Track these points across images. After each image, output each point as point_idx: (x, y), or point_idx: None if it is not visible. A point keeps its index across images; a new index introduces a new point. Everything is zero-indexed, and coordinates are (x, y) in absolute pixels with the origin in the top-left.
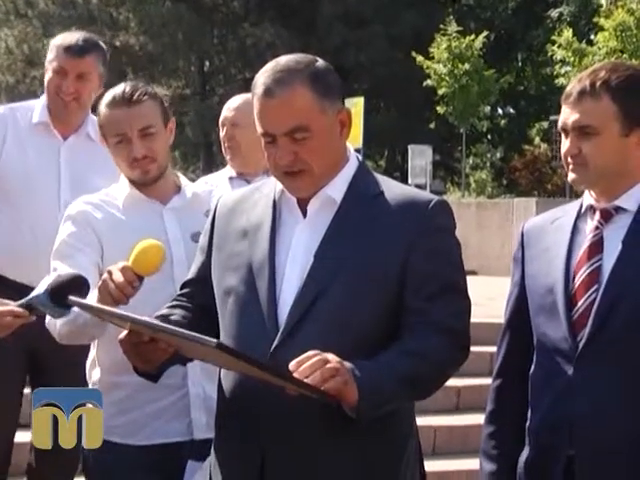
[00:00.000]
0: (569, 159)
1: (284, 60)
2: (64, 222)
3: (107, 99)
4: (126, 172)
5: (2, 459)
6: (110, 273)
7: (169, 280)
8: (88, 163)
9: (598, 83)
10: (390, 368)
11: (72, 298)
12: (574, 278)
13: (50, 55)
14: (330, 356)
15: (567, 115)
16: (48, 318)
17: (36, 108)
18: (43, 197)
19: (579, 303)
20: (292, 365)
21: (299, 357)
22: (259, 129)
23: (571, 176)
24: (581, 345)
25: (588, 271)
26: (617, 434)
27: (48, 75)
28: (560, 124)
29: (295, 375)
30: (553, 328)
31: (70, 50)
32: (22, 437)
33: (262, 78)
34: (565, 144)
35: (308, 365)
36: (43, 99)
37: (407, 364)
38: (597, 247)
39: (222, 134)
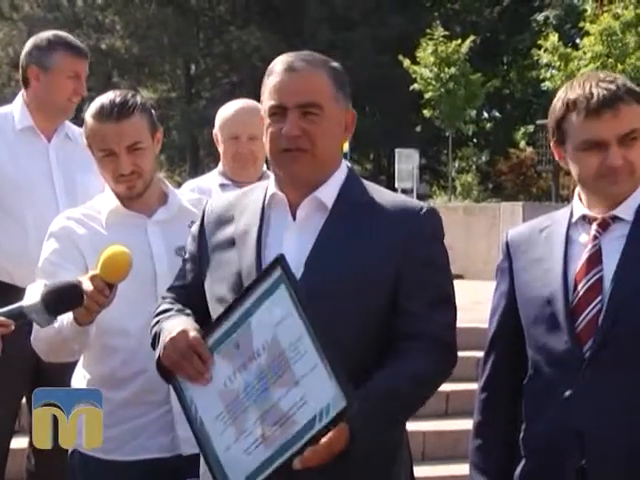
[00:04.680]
0: (610, 171)
1: (305, 52)
2: (47, 239)
3: (95, 109)
4: (111, 185)
5: None
6: (80, 283)
7: (152, 294)
8: (75, 162)
9: (622, 90)
10: (387, 398)
11: None
12: (574, 289)
13: (53, 58)
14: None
15: (603, 127)
16: (33, 336)
17: (15, 113)
18: (42, 201)
19: (583, 314)
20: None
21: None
22: (269, 103)
23: (615, 189)
24: (587, 356)
25: (590, 282)
26: (629, 443)
27: (57, 80)
28: (593, 138)
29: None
30: (554, 340)
31: (81, 52)
32: (19, 443)
33: (283, 59)
34: (602, 158)
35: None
36: (19, 102)
37: (407, 390)
38: (596, 257)
39: (230, 145)
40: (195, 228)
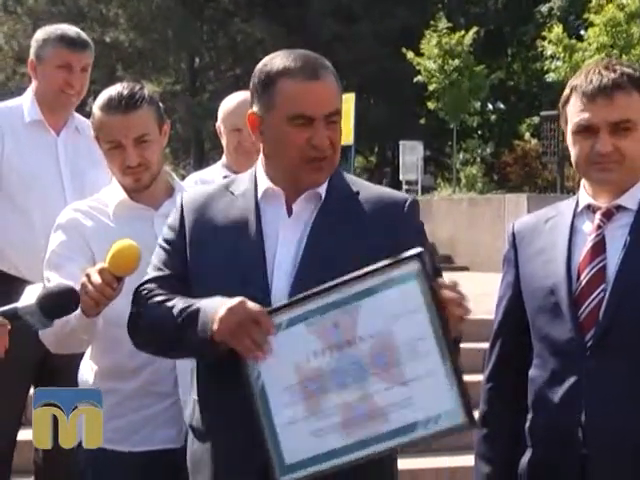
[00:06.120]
0: (598, 158)
1: (306, 51)
2: (54, 231)
3: (102, 101)
4: (118, 178)
5: (5, 457)
6: (88, 276)
7: None
8: (83, 156)
9: (624, 78)
10: None
11: None
12: (577, 278)
13: (45, 49)
14: None
15: (595, 113)
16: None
17: (24, 106)
18: (49, 194)
19: (585, 303)
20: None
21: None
22: (293, 111)
23: (604, 176)
24: (590, 344)
25: (594, 271)
26: (632, 432)
27: (47, 71)
28: (584, 123)
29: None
30: (558, 329)
31: (74, 44)
32: (26, 435)
33: (298, 62)
34: (593, 143)
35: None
36: (29, 96)
37: None
38: (600, 246)
39: (233, 137)
40: (175, 219)
